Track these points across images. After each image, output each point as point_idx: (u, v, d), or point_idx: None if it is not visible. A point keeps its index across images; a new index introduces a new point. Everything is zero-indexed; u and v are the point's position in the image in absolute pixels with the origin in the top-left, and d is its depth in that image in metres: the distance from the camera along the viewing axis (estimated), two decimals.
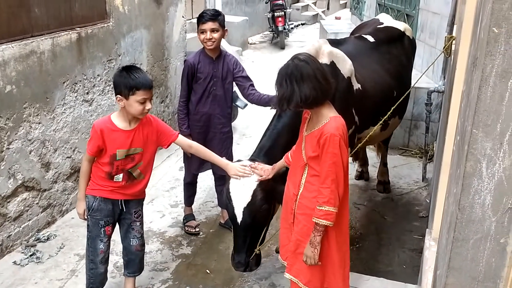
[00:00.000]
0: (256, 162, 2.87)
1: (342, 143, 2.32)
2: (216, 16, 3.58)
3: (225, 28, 3.67)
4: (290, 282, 2.64)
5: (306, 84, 2.28)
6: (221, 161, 2.99)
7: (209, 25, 3.54)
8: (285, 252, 2.66)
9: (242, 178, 2.79)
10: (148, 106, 2.73)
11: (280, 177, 2.81)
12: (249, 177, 2.78)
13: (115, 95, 2.74)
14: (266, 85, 3.74)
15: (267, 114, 3.34)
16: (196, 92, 3.68)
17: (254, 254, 2.84)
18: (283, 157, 2.76)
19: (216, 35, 3.56)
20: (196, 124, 3.74)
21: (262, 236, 2.89)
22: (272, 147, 2.97)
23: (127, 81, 2.68)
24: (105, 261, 2.99)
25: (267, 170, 2.81)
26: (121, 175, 2.84)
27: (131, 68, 2.76)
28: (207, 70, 3.63)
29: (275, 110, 3.08)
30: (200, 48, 3.73)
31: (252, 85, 3.72)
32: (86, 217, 2.92)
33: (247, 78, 3.74)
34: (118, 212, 2.94)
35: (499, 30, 1.20)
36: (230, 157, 3.64)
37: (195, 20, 3.87)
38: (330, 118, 2.35)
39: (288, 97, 2.30)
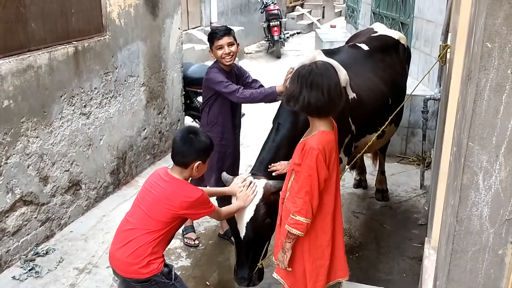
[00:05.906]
0: (273, 164, 2.88)
1: (320, 158, 2.30)
2: (229, 30, 3.60)
3: (237, 42, 3.65)
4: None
5: (313, 92, 2.27)
6: (224, 190, 2.92)
7: (225, 39, 3.52)
8: (277, 252, 2.66)
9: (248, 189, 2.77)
10: None
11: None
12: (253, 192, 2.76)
13: (202, 160, 2.54)
14: None
15: (265, 124, 3.35)
16: (224, 105, 3.63)
17: (257, 268, 2.84)
18: None
19: (233, 48, 3.56)
20: (226, 136, 3.72)
21: (264, 250, 2.89)
22: (272, 160, 2.95)
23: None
24: None
25: (287, 164, 2.78)
26: None
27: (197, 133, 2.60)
28: None
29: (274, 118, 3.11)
30: (213, 65, 3.65)
31: (262, 85, 3.75)
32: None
33: (255, 81, 3.80)
34: None
35: (493, 45, 1.22)
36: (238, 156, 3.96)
37: (191, 31, 3.87)
38: (318, 132, 2.36)
39: (296, 97, 2.30)
